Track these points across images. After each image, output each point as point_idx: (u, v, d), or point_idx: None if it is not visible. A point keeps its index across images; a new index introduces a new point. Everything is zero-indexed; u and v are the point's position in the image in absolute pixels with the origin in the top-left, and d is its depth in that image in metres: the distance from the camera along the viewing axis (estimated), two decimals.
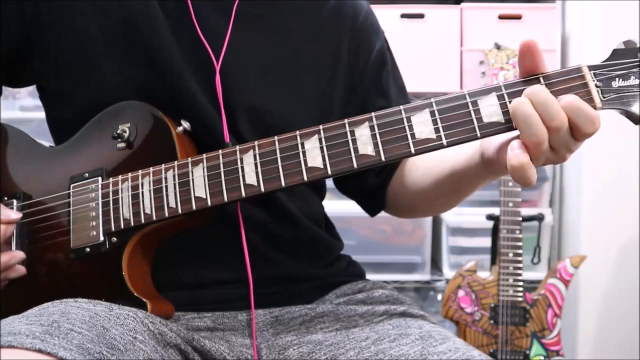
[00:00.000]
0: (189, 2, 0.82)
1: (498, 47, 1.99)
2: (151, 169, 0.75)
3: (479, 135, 0.67)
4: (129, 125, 0.79)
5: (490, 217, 1.96)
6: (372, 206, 0.99)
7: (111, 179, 0.77)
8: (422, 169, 0.89)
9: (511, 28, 2.16)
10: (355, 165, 0.69)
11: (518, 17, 2.18)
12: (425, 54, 2.15)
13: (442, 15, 2.19)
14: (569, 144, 0.66)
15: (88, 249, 0.76)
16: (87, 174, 0.79)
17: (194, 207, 0.73)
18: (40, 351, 0.57)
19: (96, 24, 0.82)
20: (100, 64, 0.82)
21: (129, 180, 0.76)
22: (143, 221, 0.74)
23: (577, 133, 0.66)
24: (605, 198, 2.07)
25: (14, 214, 0.80)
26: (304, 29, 0.89)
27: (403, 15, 2.17)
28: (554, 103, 0.64)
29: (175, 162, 0.75)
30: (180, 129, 0.78)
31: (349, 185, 0.97)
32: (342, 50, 0.91)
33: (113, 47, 0.82)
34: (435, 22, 2.18)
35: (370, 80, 0.94)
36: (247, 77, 0.84)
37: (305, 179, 0.70)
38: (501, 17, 2.18)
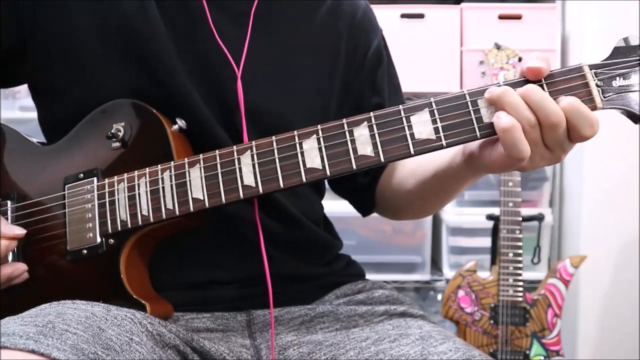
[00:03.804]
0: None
1: (498, 47, 1.99)
2: (147, 170, 0.75)
3: (478, 135, 0.67)
4: (123, 124, 0.78)
5: (490, 217, 1.96)
6: (363, 205, 0.98)
7: (107, 180, 0.76)
8: (407, 169, 0.89)
9: (511, 28, 2.16)
10: (354, 166, 0.69)
11: (518, 17, 2.18)
12: (425, 54, 2.15)
13: (442, 15, 2.18)
14: (564, 144, 0.66)
15: (85, 251, 0.76)
16: (81, 175, 0.78)
17: (191, 209, 0.72)
18: (33, 352, 0.57)
19: (91, 23, 0.82)
20: (94, 63, 0.82)
21: (125, 181, 0.75)
22: (140, 223, 0.74)
23: (574, 135, 0.65)
24: (605, 198, 2.07)
25: (18, 230, 0.78)
26: (301, 28, 0.89)
27: (403, 15, 2.17)
28: (550, 101, 0.64)
29: (172, 163, 0.74)
30: (175, 127, 0.78)
31: (341, 184, 0.97)
32: (340, 48, 0.91)
33: (107, 46, 0.81)
34: (435, 22, 2.18)
35: (365, 77, 0.93)
36: (245, 75, 0.83)
37: (304, 180, 0.70)
38: (501, 17, 2.18)
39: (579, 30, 2.15)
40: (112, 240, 0.75)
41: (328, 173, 0.69)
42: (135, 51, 0.81)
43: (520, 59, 1.95)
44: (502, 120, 0.64)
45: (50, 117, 0.88)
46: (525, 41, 2.12)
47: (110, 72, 0.81)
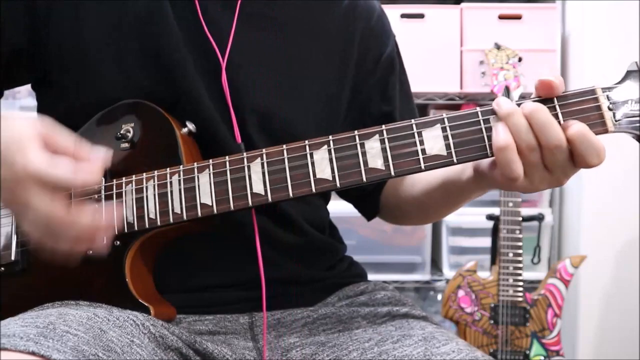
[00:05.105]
0: (197, 1, 0.82)
1: (498, 47, 1.98)
2: (156, 173, 0.74)
3: (489, 154, 0.67)
4: (132, 125, 0.78)
5: (490, 217, 1.96)
6: (367, 209, 0.99)
7: (115, 181, 0.76)
8: (414, 177, 0.89)
9: (511, 28, 2.17)
10: (364, 179, 0.68)
11: (518, 17, 2.19)
12: (425, 54, 2.15)
13: (442, 15, 2.19)
14: (566, 168, 0.66)
15: (91, 251, 0.76)
16: None
17: (199, 214, 0.72)
18: (33, 353, 0.57)
19: (102, 23, 0.81)
20: (103, 63, 0.81)
21: (133, 183, 0.75)
22: (147, 226, 0.73)
23: (579, 161, 0.65)
24: (605, 198, 2.07)
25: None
26: (313, 29, 0.89)
27: (403, 15, 2.17)
28: (553, 124, 0.64)
29: (181, 167, 0.74)
30: (185, 130, 0.77)
31: (346, 190, 0.97)
32: (352, 51, 0.90)
33: (118, 46, 0.81)
34: (435, 22, 2.18)
35: (375, 83, 0.93)
36: (253, 77, 0.83)
37: (314, 190, 0.69)
38: (501, 17, 2.19)
39: (579, 30, 2.15)
40: (118, 242, 0.75)
41: (338, 184, 0.69)
42: (148, 51, 0.81)
43: (520, 59, 1.94)
44: (499, 136, 0.65)
45: (56, 116, 0.87)
46: (525, 41, 2.12)
47: (119, 72, 0.81)
